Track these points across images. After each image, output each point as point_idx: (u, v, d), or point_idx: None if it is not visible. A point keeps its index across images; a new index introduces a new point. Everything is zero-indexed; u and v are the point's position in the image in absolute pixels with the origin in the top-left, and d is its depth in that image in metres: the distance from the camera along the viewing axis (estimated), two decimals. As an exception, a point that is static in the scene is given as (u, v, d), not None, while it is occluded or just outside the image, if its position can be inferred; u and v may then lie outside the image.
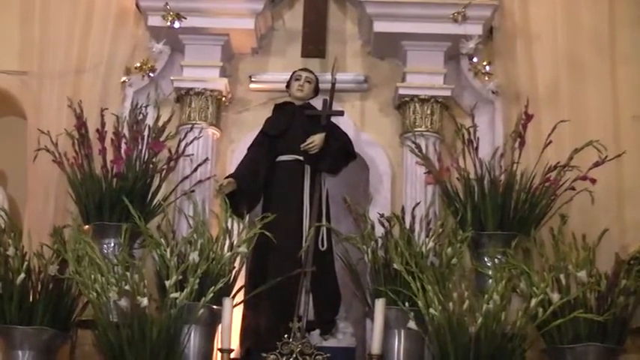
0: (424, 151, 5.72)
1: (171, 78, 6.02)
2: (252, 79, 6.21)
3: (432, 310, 4.92)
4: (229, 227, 5.30)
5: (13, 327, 5.10)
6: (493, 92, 5.91)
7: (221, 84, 6.00)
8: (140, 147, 5.56)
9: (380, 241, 5.36)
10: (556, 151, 5.55)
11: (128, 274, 4.98)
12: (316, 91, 5.89)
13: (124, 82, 6.03)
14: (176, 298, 4.96)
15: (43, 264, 5.21)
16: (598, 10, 6.01)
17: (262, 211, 5.56)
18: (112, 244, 5.44)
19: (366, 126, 6.10)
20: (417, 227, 5.41)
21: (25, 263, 5.18)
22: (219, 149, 6.05)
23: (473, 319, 4.86)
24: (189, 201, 5.52)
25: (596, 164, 5.38)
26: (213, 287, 5.03)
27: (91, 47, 6.04)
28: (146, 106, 5.74)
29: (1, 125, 6.37)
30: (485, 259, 5.34)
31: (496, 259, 5.22)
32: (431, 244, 5.25)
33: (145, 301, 4.93)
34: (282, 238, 5.38)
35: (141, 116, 5.66)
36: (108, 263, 5.07)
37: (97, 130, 5.58)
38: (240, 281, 5.40)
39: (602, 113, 5.86)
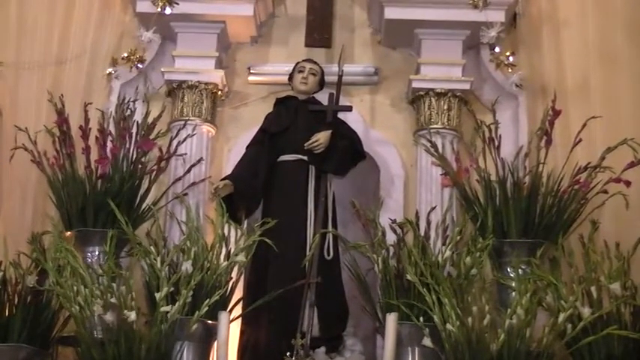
0: (440, 150, 5.73)
1: (162, 69, 6.04)
2: (251, 71, 6.22)
3: (449, 326, 4.92)
4: (226, 234, 5.30)
5: (-14, 344, 5.10)
6: (517, 85, 5.92)
7: (217, 76, 6.01)
8: (128, 145, 5.57)
9: (392, 250, 5.35)
10: (586, 151, 5.54)
11: (114, 285, 4.98)
12: (321, 85, 5.91)
13: (110, 73, 6.05)
14: (167, 312, 4.96)
15: (20, 274, 5.20)
16: (633, -6, 6.03)
17: (262, 216, 5.55)
18: (97, 253, 5.44)
19: (376, 122, 6.11)
20: (432, 234, 5.39)
21: (0, 273, 5.17)
22: (215, 148, 6.06)
23: (494, 336, 4.85)
24: (182, 205, 5.54)
25: (631, 165, 5.36)
26: (208, 300, 5.02)
27: (74, 35, 6.07)
28: (134, 101, 5.74)
29: (-27, 122, 6.38)
30: (508, 270, 5.34)
31: (520, 270, 5.21)
32: (448, 253, 5.25)
33: (132, 316, 4.92)
34: (284, 246, 5.38)
35: (128, 112, 5.67)
36: (92, 273, 5.08)
37: (80, 127, 5.59)
38: (238, 293, 5.40)
39: (637, 108, 5.84)
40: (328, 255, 5.52)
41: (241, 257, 5.22)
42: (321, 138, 5.61)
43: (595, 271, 5.03)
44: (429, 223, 5.41)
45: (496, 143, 5.53)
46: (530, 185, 5.44)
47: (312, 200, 5.58)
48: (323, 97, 5.84)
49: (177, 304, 4.96)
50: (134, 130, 5.59)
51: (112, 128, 5.63)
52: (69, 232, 5.46)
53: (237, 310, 5.35)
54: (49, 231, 5.40)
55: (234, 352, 5.42)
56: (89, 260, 5.39)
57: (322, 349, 5.38)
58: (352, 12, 6.27)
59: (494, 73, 5.98)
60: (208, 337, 5.16)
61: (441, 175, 5.70)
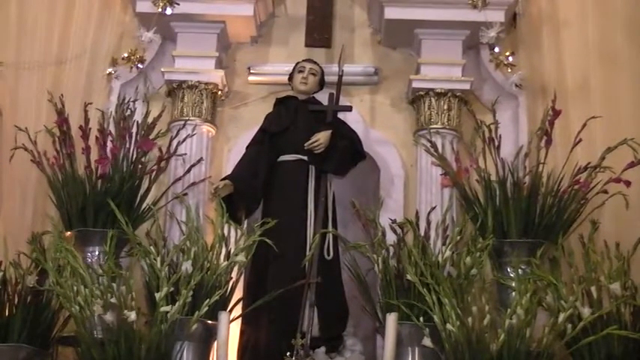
0: (440, 150, 5.72)
1: (162, 69, 6.04)
2: (251, 71, 6.22)
3: (449, 326, 4.92)
4: (226, 234, 5.30)
5: (-14, 344, 5.10)
6: (516, 85, 5.92)
7: (217, 76, 6.01)
8: (128, 145, 5.57)
9: (392, 250, 5.35)
10: (586, 151, 5.55)
11: (114, 285, 4.98)
12: (321, 84, 5.91)
13: (110, 74, 6.05)
14: (167, 312, 4.95)
15: (21, 274, 5.20)
16: (633, -6, 6.02)
17: (262, 216, 5.55)
18: (97, 253, 5.44)
19: (376, 122, 6.11)
20: (432, 234, 5.39)
21: (0, 273, 5.17)
22: (215, 148, 6.06)
23: (494, 336, 4.85)
24: (182, 205, 5.54)
25: (631, 165, 5.36)
26: (208, 300, 5.02)
27: (74, 35, 6.07)
28: (134, 101, 5.74)
29: (-27, 122, 6.38)
30: (508, 270, 5.34)
31: (520, 270, 5.21)
32: (448, 253, 5.25)
33: (132, 316, 4.92)
34: (284, 246, 5.38)
35: (128, 112, 5.67)
36: (92, 273, 5.08)
37: (80, 127, 5.59)
38: (238, 293, 5.40)
39: (637, 108, 5.84)
40: (328, 255, 5.52)
41: (241, 257, 5.22)
42: (321, 138, 5.61)
43: (595, 271, 5.03)
44: (429, 223, 5.41)
45: (496, 143, 5.53)
46: (530, 185, 5.44)
47: (312, 200, 5.58)
48: (323, 97, 5.84)
49: (177, 304, 4.96)
50: (134, 130, 5.59)
51: (112, 128, 5.63)
52: (69, 232, 5.46)
53: (237, 310, 5.34)
54: (49, 231, 5.40)
55: (234, 352, 5.42)
56: (89, 260, 5.39)
57: (322, 349, 5.38)
58: (352, 12, 6.27)
59: (494, 73, 5.98)
60: (208, 337, 5.16)
61: (441, 175, 5.70)
